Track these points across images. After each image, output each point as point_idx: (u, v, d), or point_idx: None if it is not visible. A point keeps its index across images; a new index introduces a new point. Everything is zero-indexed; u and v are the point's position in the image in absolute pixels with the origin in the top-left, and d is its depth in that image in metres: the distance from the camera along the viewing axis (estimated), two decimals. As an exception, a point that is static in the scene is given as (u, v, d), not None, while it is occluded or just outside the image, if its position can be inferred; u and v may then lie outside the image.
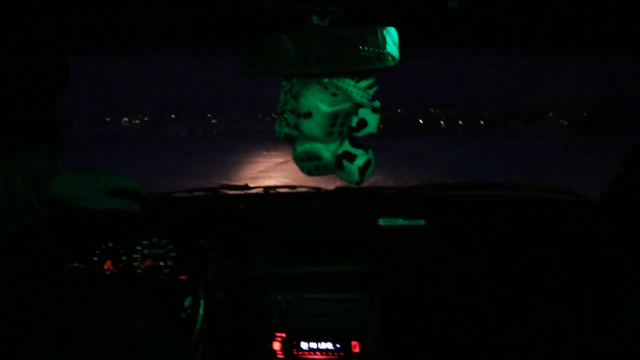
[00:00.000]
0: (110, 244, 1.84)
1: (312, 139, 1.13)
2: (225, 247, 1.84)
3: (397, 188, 2.02)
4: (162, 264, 1.81)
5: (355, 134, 1.19)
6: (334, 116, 1.10)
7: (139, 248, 1.83)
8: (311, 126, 1.10)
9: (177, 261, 1.81)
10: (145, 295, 1.63)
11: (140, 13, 1.09)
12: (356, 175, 1.21)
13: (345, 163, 1.19)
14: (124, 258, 1.82)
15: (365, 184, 1.90)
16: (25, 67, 1.35)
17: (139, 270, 1.81)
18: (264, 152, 17.16)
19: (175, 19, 1.15)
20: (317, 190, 2.07)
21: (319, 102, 1.08)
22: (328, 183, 1.99)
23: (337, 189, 2.07)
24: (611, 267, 1.29)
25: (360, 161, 1.19)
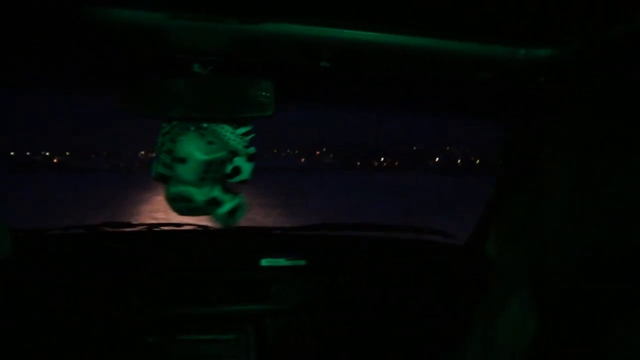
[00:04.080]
0: None
1: (184, 182, 1.16)
2: (99, 286, 1.77)
3: (281, 228, 2.07)
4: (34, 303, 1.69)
5: (230, 180, 1.23)
6: (208, 164, 1.13)
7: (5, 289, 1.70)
8: (185, 171, 1.13)
9: (50, 300, 1.71)
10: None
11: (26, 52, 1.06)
12: (224, 220, 1.25)
13: (216, 209, 1.22)
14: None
15: (250, 223, 1.94)
16: None
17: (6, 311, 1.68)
18: (152, 191, 16.59)
19: (60, 59, 1.13)
20: (204, 228, 2.07)
21: (194, 150, 1.11)
22: (214, 221, 2.00)
23: (224, 228, 2.08)
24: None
25: (227, 207, 1.23)
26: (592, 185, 0.59)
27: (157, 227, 2.05)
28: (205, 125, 1.15)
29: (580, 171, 0.61)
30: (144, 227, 2.05)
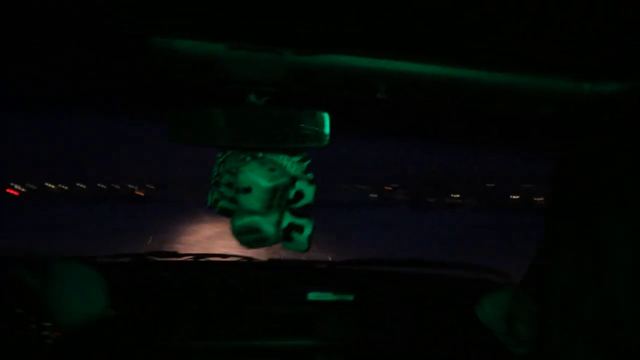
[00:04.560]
0: (19, 310, 1.72)
1: (251, 212, 1.15)
2: (148, 316, 1.77)
3: (327, 262, 2.04)
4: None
5: (294, 206, 1.21)
6: (274, 190, 1.13)
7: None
8: (251, 201, 1.13)
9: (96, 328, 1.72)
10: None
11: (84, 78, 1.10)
12: (305, 245, 1.24)
13: (295, 235, 1.21)
14: (33, 325, 1.71)
15: (295, 257, 1.92)
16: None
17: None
18: (197, 222, 16.89)
19: (114, 85, 1.17)
20: (249, 260, 2.06)
21: (258, 178, 1.11)
22: (259, 253, 1.99)
23: (270, 260, 2.07)
24: None
25: (308, 231, 1.23)
26: None
27: (203, 258, 2.05)
28: (260, 155, 1.15)
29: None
30: (191, 257, 2.06)
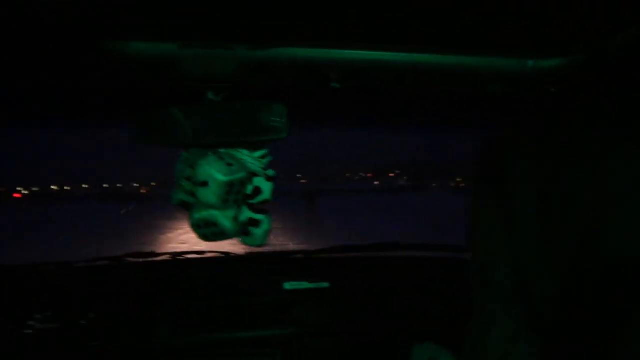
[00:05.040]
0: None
1: (209, 206, 1.18)
2: (127, 317, 1.79)
3: (303, 251, 2.07)
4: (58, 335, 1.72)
5: (251, 201, 1.24)
6: (230, 185, 1.15)
7: (30, 323, 1.73)
8: (208, 195, 1.15)
9: (75, 331, 1.73)
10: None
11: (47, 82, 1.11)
12: (262, 239, 1.27)
13: (252, 229, 1.24)
14: (11, 330, 1.72)
15: (271, 248, 1.95)
16: None
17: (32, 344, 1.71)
18: (171, 219, 16.85)
19: (75, 89, 1.18)
20: (226, 255, 2.08)
21: (215, 172, 1.13)
22: (236, 249, 2.02)
23: (246, 254, 2.10)
24: None
25: (265, 226, 1.26)
26: (564, 194, 0.59)
27: (180, 256, 2.07)
28: (222, 150, 1.18)
29: (553, 181, 0.60)
30: (168, 256, 2.08)
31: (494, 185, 0.67)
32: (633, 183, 0.53)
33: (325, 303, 1.87)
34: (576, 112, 0.65)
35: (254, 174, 1.22)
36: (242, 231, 1.25)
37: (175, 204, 1.22)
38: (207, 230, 1.22)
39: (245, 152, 1.20)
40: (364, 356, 1.86)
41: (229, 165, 1.16)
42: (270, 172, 1.23)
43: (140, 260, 2.05)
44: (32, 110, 1.36)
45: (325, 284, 1.88)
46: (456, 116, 1.62)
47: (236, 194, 1.19)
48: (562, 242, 0.56)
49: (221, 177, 1.14)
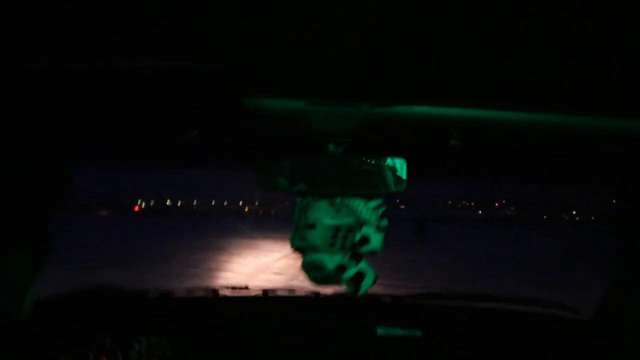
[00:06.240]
0: (107, 341, 1.83)
1: (316, 249, 1.21)
2: (223, 351, 1.84)
3: (394, 296, 2.06)
4: None
5: (359, 250, 1.26)
6: (336, 229, 1.18)
7: (136, 345, 1.82)
8: (315, 237, 1.19)
9: None
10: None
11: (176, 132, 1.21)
12: (349, 286, 1.28)
13: (359, 281, 1.26)
14: (119, 355, 1.81)
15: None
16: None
17: None
18: (264, 251, 17.24)
19: (205, 139, 1.28)
20: (316, 295, 2.11)
21: (322, 215, 1.17)
22: (325, 288, 2.03)
23: (335, 295, 2.11)
24: None
25: (350, 273, 1.26)
26: None
27: (272, 292, 2.12)
28: (338, 200, 1.22)
29: None
30: (259, 291, 2.14)
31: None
32: None
33: (418, 352, 1.84)
34: None
35: (363, 223, 1.24)
36: (347, 281, 1.27)
37: (293, 249, 1.27)
38: (316, 274, 1.26)
39: (360, 201, 1.23)
40: None
41: (338, 210, 1.19)
42: (384, 223, 1.25)
43: (233, 294, 2.12)
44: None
45: (418, 332, 1.85)
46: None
47: (343, 239, 1.21)
48: None
49: (327, 221, 1.18)
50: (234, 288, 2.16)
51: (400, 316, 1.92)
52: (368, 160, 1.15)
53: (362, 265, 1.26)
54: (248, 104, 1.04)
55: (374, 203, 1.23)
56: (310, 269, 1.25)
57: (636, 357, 1.32)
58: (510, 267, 13.14)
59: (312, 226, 1.19)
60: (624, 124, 1.11)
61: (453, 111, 1.09)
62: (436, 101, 1.08)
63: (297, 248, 1.26)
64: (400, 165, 1.13)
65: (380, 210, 1.24)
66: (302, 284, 2.11)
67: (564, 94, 1.03)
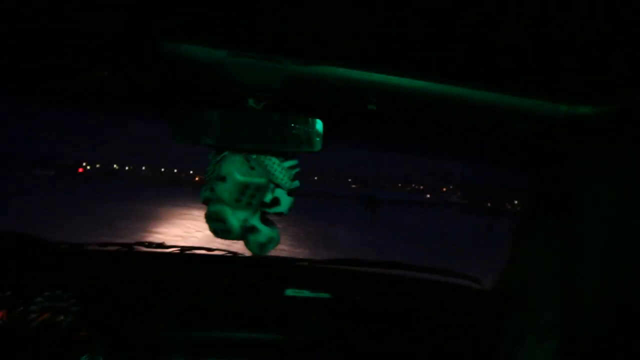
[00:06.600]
0: (7, 293, 1.75)
1: (221, 201, 1.20)
2: (132, 307, 1.82)
3: (309, 260, 2.10)
4: (62, 317, 1.74)
5: (267, 210, 1.26)
6: (245, 186, 1.18)
7: (39, 299, 1.75)
8: (223, 190, 1.18)
9: (79, 317, 1.75)
10: (39, 350, 1.56)
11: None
12: (256, 249, 1.26)
13: (249, 236, 1.25)
14: (20, 308, 1.74)
15: (278, 254, 1.98)
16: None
17: (35, 323, 1.73)
18: (186, 213, 17.04)
19: (122, 87, 1.22)
20: (234, 255, 2.11)
21: (234, 170, 1.16)
22: (244, 249, 2.04)
23: (253, 256, 2.12)
24: None
25: (262, 238, 1.25)
26: (628, 242, 0.61)
27: (189, 250, 2.11)
28: (254, 156, 1.21)
29: (617, 228, 0.63)
30: (177, 249, 2.11)
31: (548, 213, 0.71)
32: None
33: (324, 314, 1.90)
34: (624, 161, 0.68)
35: (277, 185, 1.24)
36: (242, 235, 1.26)
37: (202, 201, 1.25)
38: (217, 226, 1.24)
39: (275, 160, 1.23)
40: None
41: (251, 168, 1.19)
42: (296, 184, 1.25)
43: (149, 249, 2.08)
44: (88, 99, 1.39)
45: (326, 295, 1.90)
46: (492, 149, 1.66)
47: (250, 197, 1.21)
48: (628, 280, 0.58)
49: (238, 177, 1.17)
50: (149, 244, 2.12)
51: (313, 279, 1.97)
52: (287, 118, 1.15)
53: (267, 225, 1.26)
54: (165, 48, 1.01)
55: (288, 163, 1.23)
56: (212, 219, 1.23)
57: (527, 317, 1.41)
58: (439, 244, 13.92)
59: (223, 179, 1.18)
60: (537, 104, 1.18)
61: (373, 76, 1.11)
62: (358, 64, 1.10)
63: (205, 199, 1.25)
64: (317, 126, 1.14)
65: (294, 172, 1.24)
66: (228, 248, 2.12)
67: (480, 68, 1.07)
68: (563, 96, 1.13)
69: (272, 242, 1.28)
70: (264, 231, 1.26)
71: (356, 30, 0.95)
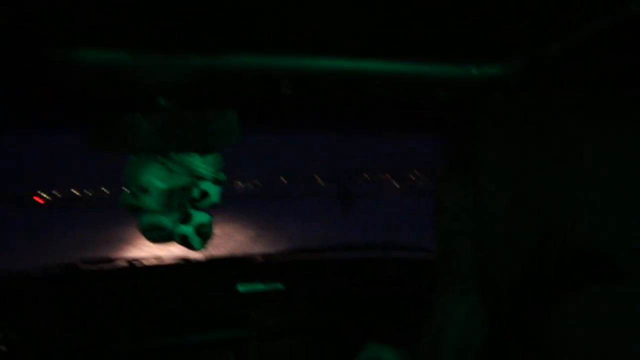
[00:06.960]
0: None
1: (152, 211, 1.18)
2: (86, 326, 1.77)
3: (260, 255, 2.09)
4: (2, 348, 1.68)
5: (198, 204, 1.24)
6: (170, 192, 1.16)
7: None
8: (149, 201, 1.16)
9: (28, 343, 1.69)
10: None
11: None
12: (198, 244, 1.25)
13: (183, 231, 1.23)
14: None
15: (228, 253, 1.96)
16: None
17: None
18: (127, 224, 16.72)
19: (24, 96, 1.16)
20: (184, 260, 2.08)
21: (154, 179, 1.14)
22: (194, 253, 2.01)
23: (204, 259, 2.10)
24: None
25: (195, 222, 1.24)
26: (531, 197, 0.62)
27: (137, 262, 2.05)
28: (173, 155, 1.18)
29: (520, 185, 0.63)
30: (124, 262, 2.06)
31: (459, 177, 0.71)
32: (599, 173, 0.56)
33: (279, 305, 1.89)
34: (543, 104, 0.68)
35: (201, 178, 1.22)
36: (188, 237, 1.24)
37: (121, 207, 1.21)
38: (155, 234, 1.22)
39: (196, 156, 1.20)
40: (317, 358, 1.88)
41: (170, 171, 1.16)
42: (221, 176, 1.24)
43: (96, 267, 2.02)
44: None
45: (280, 285, 1.90)
46: (411, 122, 1.66)
47: (179, 198, 1.19)
48: (528, 233, 0.60)
49: (160, 185, 1.15)
50: (97, 262, 2.06)
51: (265, 272, 1.96)
52: (199, 114, 1.12)
53: (201, 219, 1.24)
54: (57, 55, 0.96)
55: (210, 157, 1.21)
56: (150, 229, 1.21)
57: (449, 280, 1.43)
58: (402, 226, 14.20)
59: (145, 190, 1.16)
60: (451, 70, 1.19)
61: (282, 60, 1.09)
62: (265, 51, 1.07)
63: (129, 207, 1.21)
64: (232, 118, 1.11)
65: (217, 163, 1.22)
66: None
67: (389, 39, 1.06)
68: (472, 58, 1.14)
69: (206, 227, 1.27)
70: (207, 225, 1.25)
71: (257, 15, 0.93)
